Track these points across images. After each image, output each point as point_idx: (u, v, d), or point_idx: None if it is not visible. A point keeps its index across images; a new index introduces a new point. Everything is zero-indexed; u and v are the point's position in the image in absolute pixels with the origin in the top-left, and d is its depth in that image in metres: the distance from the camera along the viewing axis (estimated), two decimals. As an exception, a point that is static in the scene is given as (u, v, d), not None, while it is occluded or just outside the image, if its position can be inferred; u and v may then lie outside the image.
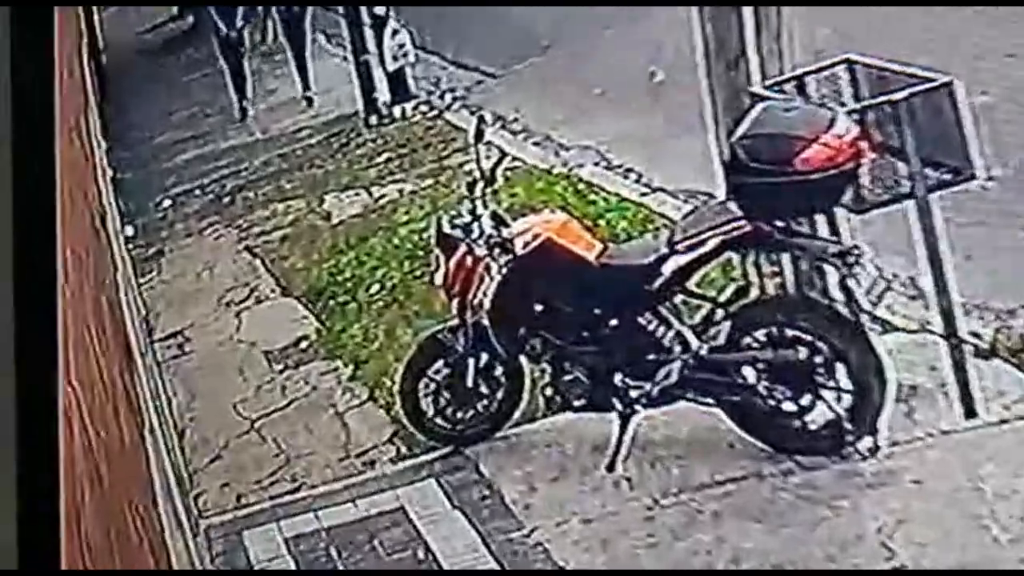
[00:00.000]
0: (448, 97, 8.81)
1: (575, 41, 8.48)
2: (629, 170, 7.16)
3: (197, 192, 8.80)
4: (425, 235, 6.83)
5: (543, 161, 7.57)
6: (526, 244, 5.23)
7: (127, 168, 9.48)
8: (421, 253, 6.88)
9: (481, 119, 5.46)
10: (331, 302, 7.01)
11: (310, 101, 9.57)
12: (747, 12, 5.28)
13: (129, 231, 8.61)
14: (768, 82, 5.11)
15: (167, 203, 8.96)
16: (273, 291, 7.36)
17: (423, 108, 8.81)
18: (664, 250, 5.02)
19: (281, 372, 6.64)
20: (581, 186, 7.05)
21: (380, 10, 8.31)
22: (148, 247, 8.52)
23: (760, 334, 4.95)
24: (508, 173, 6.52)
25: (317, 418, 6.21)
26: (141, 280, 8.08)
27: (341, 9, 8.60)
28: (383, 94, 8.80)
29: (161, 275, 8.20)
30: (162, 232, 8.65)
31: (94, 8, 10.45)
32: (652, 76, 7.60)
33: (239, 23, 9.94)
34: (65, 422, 2.56)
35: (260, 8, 10.19)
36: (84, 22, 10.50)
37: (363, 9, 8.31)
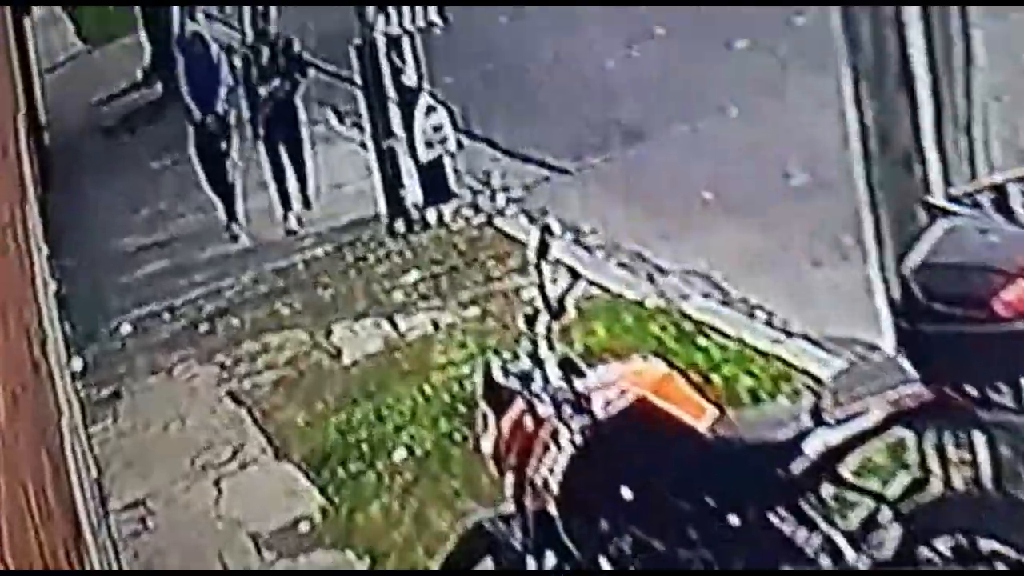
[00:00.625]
0: (501, 198, 8.38)
1: (677, 126, 7.89)
2: (755, 307, 6.73)
3: (166, 316, 8.41)
4: (469, 384, 6.62)
5: (632, 289, 7.14)
6: (609, 404, 4.90)
7: (75, 281, 9.15)
8: (463, 409, 6.57)
9: (546, 229, 4.99)
10: (340, 471, 6.76)
11: (307, 203, 8.99)
12: (923, 92, 4.91)
13: (77, 364, 8.50)
14: (954, 191, 4.69)
15: (127, 329, 8.61)
16: (264, 452, 7.15)
17: (467, 212, 8.40)
18: (807, 422, 4.64)
19: (273, 563, 6.44)
20: (687, 326, 6.65)
21: (410, 80, 7.80)
22: (102, 386, 8.27)
23: (943, 545, 4.54)
24: (584, 304, 6.04)
25: None
26: (92, 429, 7.89)
27: (358, 78, 8.09)
28: (413, 192, 8.31)
29: (118, 424, 7.99)
30: (120, 367, 8.37)
31: (34, 72, 10.14)
32: (787, 177, 7.09)
33: (220, 106, 9.28)
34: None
35: (246, 83, 9.39)
36: (21, 87, 10.27)
37: (387, 78, 7.84)
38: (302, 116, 9.05)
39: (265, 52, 9.07)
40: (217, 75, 9.40)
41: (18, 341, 6.67)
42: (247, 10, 9.18)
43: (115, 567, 6.63)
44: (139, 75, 10.94)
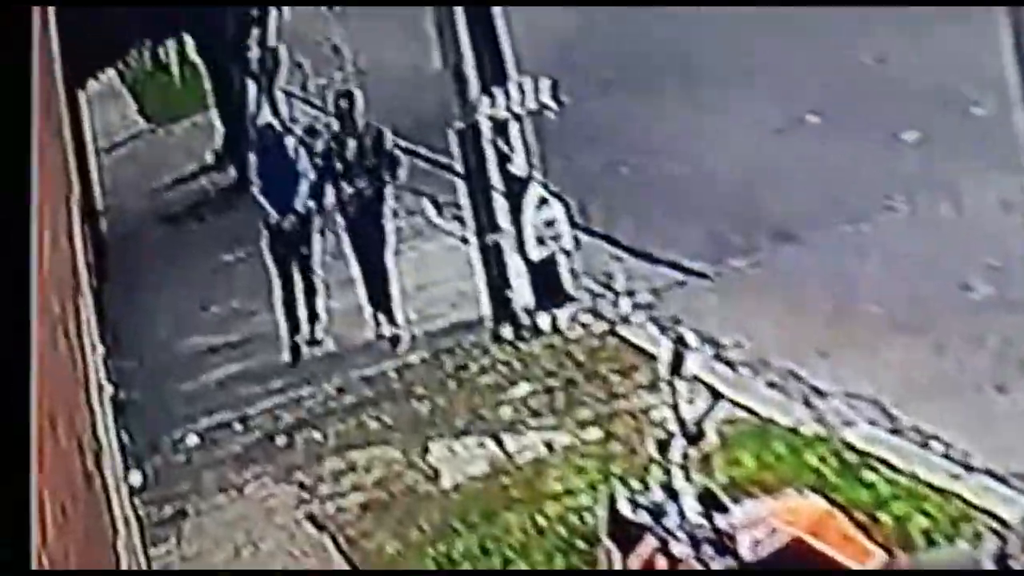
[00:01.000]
0: (626, 304, 8.05)
1: (836, 227, 7.64)
2: (930, 437, 6.56)
3: (238, 427, 8.24)
4: (589, 517, 6.54)
5: (785, 413, 6.96)
6: (758, 544, 4.88)
7: (134, 385, 8.78)
8: (582, 545, 6.49)
9: (680, 340, 5.10)
10: None
11: (390, 311, 8.55)
12: None
13: (136, 479, 8.30)
14: None
15: (193, 440, 8.43)
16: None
17: (585, 318, 8.10)
18: (991, 567, 4.57)
19: None
20: (850, 457, 6.48)
21: (519, 168, 7.62)
22: (164, 504, 8.11)
23: None
24: (727, 429, 6.06)
25: None
26: (153, 552, 7.76)
27: (460, 166, 7.93)
28: (522, 294, 8.03)
29: (182, 547, 7.88)
30: (185, 483, 8.21)
31: (90, 151, 10.02)
32: (966, 290, 6.83)
33: (300, 204, 8.99)
34: None
35: (333, 182, 9.11)
36: (75, 168, 10.08)
37: (492, 167, 7.67)
38: (388, 220, 8.73)
39: (351, 145, 8.92)
40: (294, 170, 9.19)
41: (69, 450, 6.68)
42: (330, 93, 8.95)
43: None
44: (209, 158, 10.67)
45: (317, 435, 8.06)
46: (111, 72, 11.08)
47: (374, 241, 8.78)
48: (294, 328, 8.78)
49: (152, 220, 10.41)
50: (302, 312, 8.83)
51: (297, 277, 8.94)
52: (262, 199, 9.12)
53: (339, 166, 8.93)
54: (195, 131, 10.82)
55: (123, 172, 10.84)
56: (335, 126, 8.97)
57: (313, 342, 8.73)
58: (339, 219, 8.90)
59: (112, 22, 10.76)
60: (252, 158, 9.21)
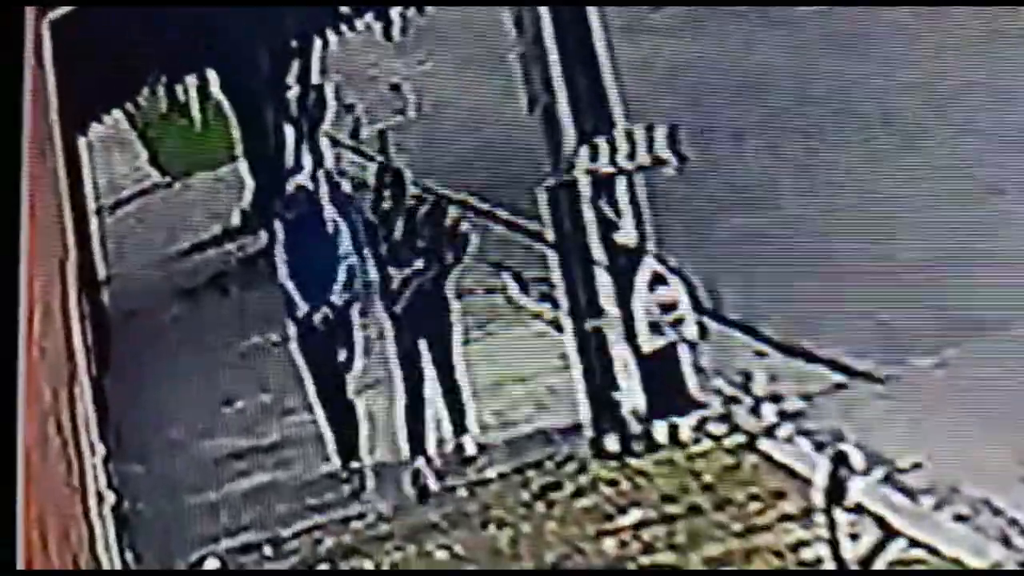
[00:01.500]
0: (769, 411, 7.41)
1: None
2: None
3: (267, 550, 7.93)
4: None
5: (977, 554, 6.30)
6: None
7: (141, 495, 8.50)
8: None
9: (842, 459, 5.37)
10: None
11: (462, 428, 7.95)
12: None
13: None
14: None
15: (212, 565, 8.12)
16: None
17: (715, 428, 7.42)
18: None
19: None
20: None
21: (627, 237, 7.16)
22: None
23: None
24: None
25: None
26: None
27: (550, 232, 7.53)
28: (632, 396, 7.47)
29: None
30: None
31: (90, 210, 9.80)
32: None
33: (338, 296, 8.42)
34: None
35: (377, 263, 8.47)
36: (72, 230, 9.84)
37: (592, 231, 7.30)
38: (453, 311, 8.06)
39: (399, 220, 8.33)
40: (332, 248, 8.64)
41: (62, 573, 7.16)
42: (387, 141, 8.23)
43: None
44: (236, 219, 10.32)
45: (368, 564, 7.77)
46: (117, 114, 10.83)
47: (433, 337, 8.20)
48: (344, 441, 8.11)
49: (165, 294, 10.01)
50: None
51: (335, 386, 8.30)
52: (290, 285, 8.71)
53: (385, 249, 8.43)
54: (219, 186, 10.47)
55: (131, 234, 10.48)
56: (384, 197, 8.38)
57: (350, 470, 8.09)
58: (380, 311, 8.41)
59: (121, 53, 10.45)
60: (279, 232, 8.84)
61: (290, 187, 8.75)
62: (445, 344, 8.07)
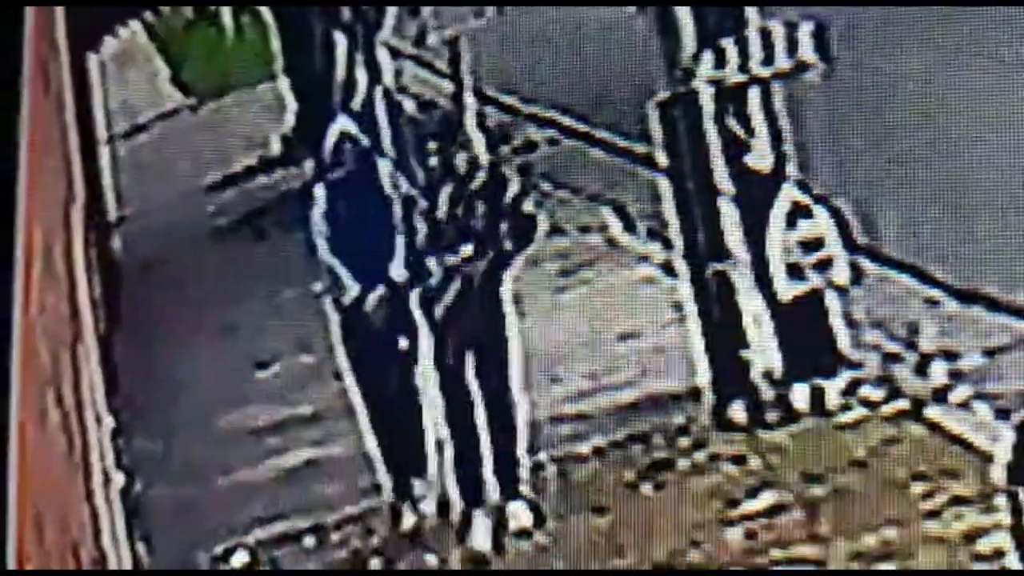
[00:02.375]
0: (940, 371, 6.84)
1: None
2: None
3: (309, 541, 7.75)
4: None
5: None
6: None
7: (156, 478, 8.17)
8: None
9: None
10: None
11: (512, 466, 7.42)
12: None
13: None
14: None
15: (242, 559, 7.86)
16: None
17: (873, 394, 7.00)
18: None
19: None
20: None
21: (761, 160, 6.83)
22: None
23: None
24: None
25: None
26: None
27: (661, 156, 7.28)
28: (767, 354, 7.18)
29: None
30: None
31: (101, 138, 9.70)
32: None
33: (397, 272, 7.84)
34: None
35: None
36: (80, 164, 9.51)
37: (715, 155, 7.06)
38: (510, 317, 7.47)
39: (446, 188, 7.78)
40: (389, 213, 8.06)
41: (62, 565, 7.26)
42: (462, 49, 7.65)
43: None
44: (275, 146, 10.25)
45: (430, 558, 7.53)
46: (135, 25, 10.67)
47: (482, 345, 7.70)
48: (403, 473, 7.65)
49: (188, 237, 9.77)
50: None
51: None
52: (334, 262, 8.21)
53: (422, 222, 7.89)
54: (255, 108, 10.27)
55: (148, 167, 10.25)
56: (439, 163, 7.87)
57: (417, 512, 7.67)
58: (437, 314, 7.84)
59: (139, -48, 10.40)
60: (319, 195, 8.37)
61: (331, 136, 8.38)
62: (501, 366, 7.66)
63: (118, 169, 10.11)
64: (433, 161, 7.80)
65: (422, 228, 7.86)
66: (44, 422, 7.57)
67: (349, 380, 7.98)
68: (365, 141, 8.18)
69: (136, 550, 8.08)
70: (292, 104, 9.71)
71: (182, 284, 9.61)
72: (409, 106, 8.14)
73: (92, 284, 9.12)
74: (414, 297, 7.80)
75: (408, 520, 7.70)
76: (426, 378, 7.90)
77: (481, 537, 7.41)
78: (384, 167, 7.99)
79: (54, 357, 7.92)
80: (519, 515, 7.30)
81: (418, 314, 7.82)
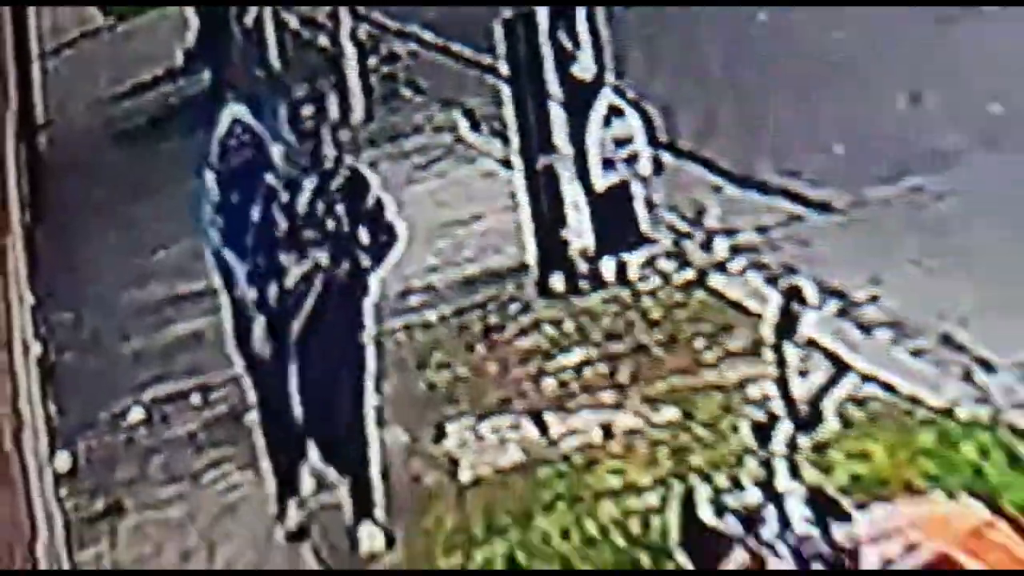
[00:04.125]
0: (721, 246, 7.35)
1: (1009, 149, 7.26)
2: None
3: (196, 399, 7.87)
4: (658, 523, 6.38)
5: (935, 390, 6.32)
6: (890, 563, 5.18)
7: (69, 346, 8.47)
8: (647, 559, 6.36)
9: (794, 293, 5.50)
10: None
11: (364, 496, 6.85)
12: None
13: (64, 462, 8.10)
14: None
15: (137, 415, 8.01)
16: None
17: (666, 265, 7.31)
18: None
19: None
20: (1022, 448, 5.98)
21: (585, 71, 7.22)
22: (97, 496, 7.95)
23: None
24: (854, 410, 5.85)
25: None
26: (79, 557, 7.79)
27: (504, 67, 7.66)
28: (582, 234, 7.48)
29: (116, 551, 7.74)
30: (124, 470, 7.96)
31: (33, 52, 9.93)
32: None
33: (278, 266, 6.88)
34: None
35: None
36: (14, 74, 9.82)
37: (547, 61, 7.44)
38: (366, 332, 6.89)
39: (307, 185, 7.05)
40: (269, 211, 7.38)
41: None
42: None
43: None
44: (179, 58, 10.45)
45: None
46: None
47: (337, 377, 7.19)
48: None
49: (104, 138, 9.99)
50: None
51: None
52: (230, 256, 7.68)
53: (281, 215, 7.29)
54: (164, 26, 10.52)
55: (72, 79, 10.52)
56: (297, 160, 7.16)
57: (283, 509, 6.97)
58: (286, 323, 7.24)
59: None
60: (209, 180, 7.83)
61: (222, 124, 7.95)
62: (356, 397, 7.10)
63: (46, 80, 10.36)
64: (306, 128, 7.30)
65: (282, 223, 7.34)
66: None
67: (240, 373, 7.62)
68: (258, 128, 7.71)
69: (48, 408, 8.31)
70: (195, 22, 10.05)
71: (96, 181, 10.04)
72: (294, 22, 8.24)
73: (20, 181, 9.37)
74: (273, 298, 7.25)
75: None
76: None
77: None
78: (277, 150, 7.49)
79: None
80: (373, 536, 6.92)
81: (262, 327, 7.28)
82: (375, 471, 7.16)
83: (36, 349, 8.46)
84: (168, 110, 9.96)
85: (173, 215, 9.20)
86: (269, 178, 7.11)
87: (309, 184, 7.10)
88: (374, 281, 7.22)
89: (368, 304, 7.20)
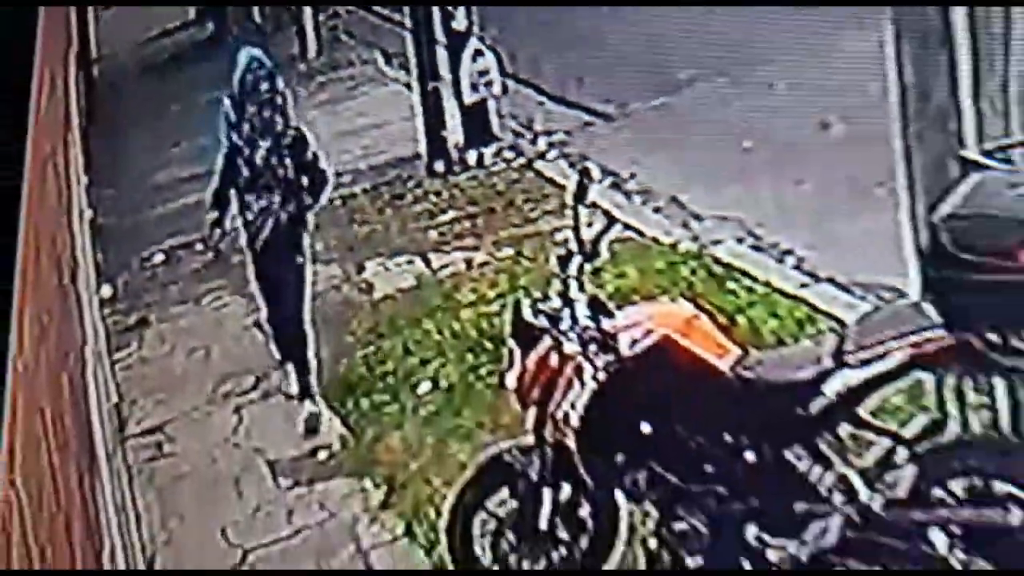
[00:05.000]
0: (543, 142, 8.63)
1: (721, 77, 8.23)
2: (785, 252, 7.08)
3: (199, 247, 8.42)
4: (498, 322, 6.86)
5: (666, 233, 7.48)
6: (635, 343, 5.26)
7: (112, 211, 9.26)
8: (490, 346, 6.87)
9: (585, 173, 5.45)
10: (364, 402, 7.01)
11: (307, 391, 6.92)
12: (963, 50, 5.19)
13: (107, 291, 8.55)
14: (988, 146, 5.21)
15: (159, 258, 8.77)
16: (288, 383, 7.24)
17: (508, 155, 8.64)
18: (828, 363, 5.01)
19: (289, 490, 6.65)
20: (717, 269, 6.97)
21: (459, 23, 8.09)
22: (129, 313, 8.36)
23: (958, 486, 4.93)
24: (617, 247, 6.31)
25: (332, 555, 6.26)
26: (116, 356, 8.01)
27: (408, 22, 8.36)
28: (455, 134, 8.67)
29: (142, 351, 8.08)
30: (149, 295, 8.46)
31: (89, 9, 10.29)
32: (825, 127, 7.37)
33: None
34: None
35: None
36: (76, 24, 10.33)
37: (436, 20, 8.12)
38: (306, 257, 6.93)
39: (262, 146, 6.89)
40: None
41: (49, 270, 6.79)
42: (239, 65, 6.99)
43: (128, 494, 6.79)
44: (191, 14, 11.07)
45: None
46: None
47: (286, 282, 6.99)
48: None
49: (138, 69, 10.78)
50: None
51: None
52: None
53: (245, 169, 7.01)
54: None
55: (116, 27, 11.21)
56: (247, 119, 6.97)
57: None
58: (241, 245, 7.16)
59: None
60: (227, 104, 7.12)
61: (241, 61, 7.17)
62: (297, 299, 6.95)
63: (99, 29, 10.84)
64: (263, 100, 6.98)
65: (244, 171, 6.97)
66: (44, 186, 7.20)
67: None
68: (268, 64, 7.20)
69: (96, 256, 8.54)
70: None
71: (133, 96, 10.34)
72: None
73: (79, 98, 9.78)
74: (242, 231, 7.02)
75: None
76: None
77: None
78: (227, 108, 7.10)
79: (52, 144, 7.74)
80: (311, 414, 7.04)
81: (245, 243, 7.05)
82: (311, 356, 7.02)
83: (88, 214, 8.82)
84: (183, 50, 10.68)
85: (187, 122, 9.88)
86: (234, 137, 6.82)
87: (264, 143, 6.86)
88: (311, 217, 6.97)
89: (306, 236, 6.96)
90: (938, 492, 4.90)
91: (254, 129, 6.70)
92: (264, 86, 6.66)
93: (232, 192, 6.83)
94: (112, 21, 11.22)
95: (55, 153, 7.67)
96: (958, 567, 4.89)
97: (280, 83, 6.76)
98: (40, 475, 3.46)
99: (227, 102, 6.82)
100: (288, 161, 6.79)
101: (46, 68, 7.63)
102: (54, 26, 8.54)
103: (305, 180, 6.89)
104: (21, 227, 6.08)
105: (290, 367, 7.06)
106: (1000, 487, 4.86)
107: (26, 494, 2.92)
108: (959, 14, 5.25)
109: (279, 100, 6.70)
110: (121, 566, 5.96)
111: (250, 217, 6.92)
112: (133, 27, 11.19)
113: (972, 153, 5.16)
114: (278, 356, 7.05)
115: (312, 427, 6.83)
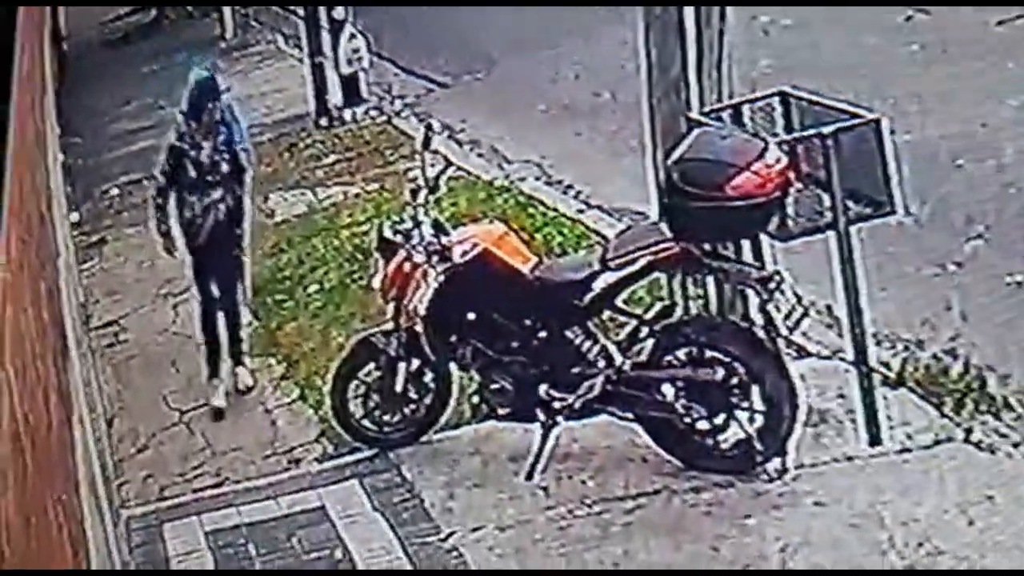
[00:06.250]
0: (398, 104, 9.28)
1: (524, 57, 8.75)
2: (568, 187, 7.64)
3: (145, 183, 8.66)
4: (367, 239, 7.09)
5: (486, 173, 8.02)
6: (464, 253, 5.35)
7: (78, 154, 9.81)
8: (361, 256, 7.12)
9: (429, 127, 5.53)
10: (269, 299, 7.24)
11: (239, 360, 6.17)
12: (691, 38, 5.49)
13: (74, 217, 8.90)
14: (706, 109, 5.33)
15: (114, 191, 9.31)
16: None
17: (373, 113, 9.24)
18: (596, 267, 5.15)
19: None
20: (521, 199, 7.45)
21: (339, 14, 8.42)
22: (92, 234, 8.83)
23: (681, 353, 5.09)
24: (451, 182, 6.54)
25: (246, 414, 6.34)
26: (82, 267, 8.30)
27: (300, 11, 8.67)
28: (335, 97, 9.38)
29: (102, 263, 8.47)
30: (107, 220, 8.98)
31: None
32: (596, 95, 7.81)
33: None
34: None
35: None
36: (49, 10, 10.49)
37: (322, 12, 8.40)
38: (244, 245, 6.31)
39: (205, 147, 6.25)
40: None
41: (31, 197, 6.46)
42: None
43: (92, 371, 6.69)
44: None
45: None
46: None
47: (226, 273, 6.32)
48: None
49: (97, 44, 11.05)
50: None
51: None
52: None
53: (191, 168, 6.30)
54: None
55: (81, 11, 11.46)
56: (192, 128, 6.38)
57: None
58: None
59: None
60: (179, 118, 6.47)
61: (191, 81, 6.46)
62: (234, 281, 6.34)
63: (67, 11, 10.94)
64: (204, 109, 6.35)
65: (191, 172, 6.33)
66: (26, 125, 6.48)
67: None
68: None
69: (67, 189, 8.88)
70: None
71: (95, 64, 10.70)
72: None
73: (52, 65, 10.26)
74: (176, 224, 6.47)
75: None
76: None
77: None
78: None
79: (32, 100, 7.53)
80: (244, 376, 6.67)
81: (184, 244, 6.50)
82: (245, 335, 6.63)
83: (60, 157, 9.32)
84: (132, 30, 10.91)
85: (135, 85, 10.09)
86: (183, 143, 6.25)
87: (207, 144, 6.27)
88: (248, 207, 6.53)
89: (245, 227, 6.29)
90: (668, 357, 4.99)
91: (200, 134, 6.12)
92: (209, 103, 6.12)
93: (172, 195, 6.36)
94: (75, 9, 11.43)
95: (34, 108, 7.55)
96: (682, 412, 4.96)
97: (225, 98, 6.24)
98: (24, 357, 3.34)
99: (179, 116, 6.24)
100: (227, 156, 6.24)
101: (26, 43, 7.50)
102: (32, 11, 8.69)
103: (236, 172, 6.33)
104: (8, 166, 5.57)
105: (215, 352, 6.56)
106: (709, 353, 4.96)
107: (13, 371, 2.85)
108: (689, 12, 5.59)
109: (222, 109, 6.15)
110: (87, 428, 5.43)
111: (189, 216, 6.29)
112: (92, 13, 11.46)
113: (695, 115, 5.20)
114: (202, 339, 6.48)
115: (246, 388, 6.38)
